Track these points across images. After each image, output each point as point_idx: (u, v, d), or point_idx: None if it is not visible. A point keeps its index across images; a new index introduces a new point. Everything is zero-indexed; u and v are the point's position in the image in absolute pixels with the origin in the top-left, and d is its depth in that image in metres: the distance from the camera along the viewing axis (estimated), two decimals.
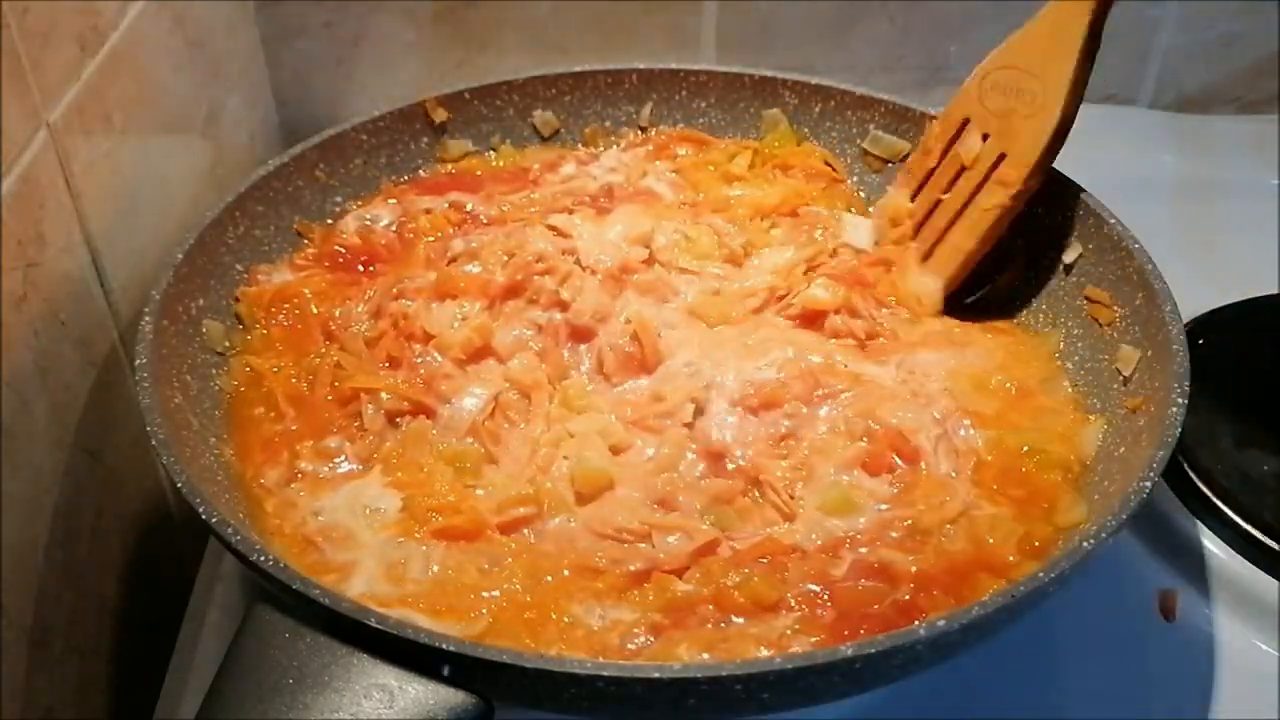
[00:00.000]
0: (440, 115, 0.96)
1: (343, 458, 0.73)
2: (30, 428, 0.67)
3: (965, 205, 0.84)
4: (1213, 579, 0.77)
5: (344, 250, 0.87)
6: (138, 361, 0.69)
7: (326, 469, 0.72)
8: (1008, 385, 0.78)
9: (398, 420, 0.74)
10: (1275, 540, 0.75)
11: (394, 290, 0.82)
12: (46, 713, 0.69)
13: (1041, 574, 0.58)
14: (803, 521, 0.69)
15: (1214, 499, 0.77)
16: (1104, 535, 0.59)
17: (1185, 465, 0.79)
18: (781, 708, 0.57)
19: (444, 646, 0.54)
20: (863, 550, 0.67)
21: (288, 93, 1.18)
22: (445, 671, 0.54)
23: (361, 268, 0.86)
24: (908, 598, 0.63)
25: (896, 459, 0.72)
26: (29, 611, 0.67)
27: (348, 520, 0.69)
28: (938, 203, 0.85)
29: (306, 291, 0.83)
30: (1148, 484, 0.62)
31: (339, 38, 1.15)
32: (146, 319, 0.72)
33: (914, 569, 0.65)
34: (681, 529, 0.68)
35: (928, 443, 0.73)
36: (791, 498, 0.70)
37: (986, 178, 0.82)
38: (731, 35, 1.17)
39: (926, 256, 0.85)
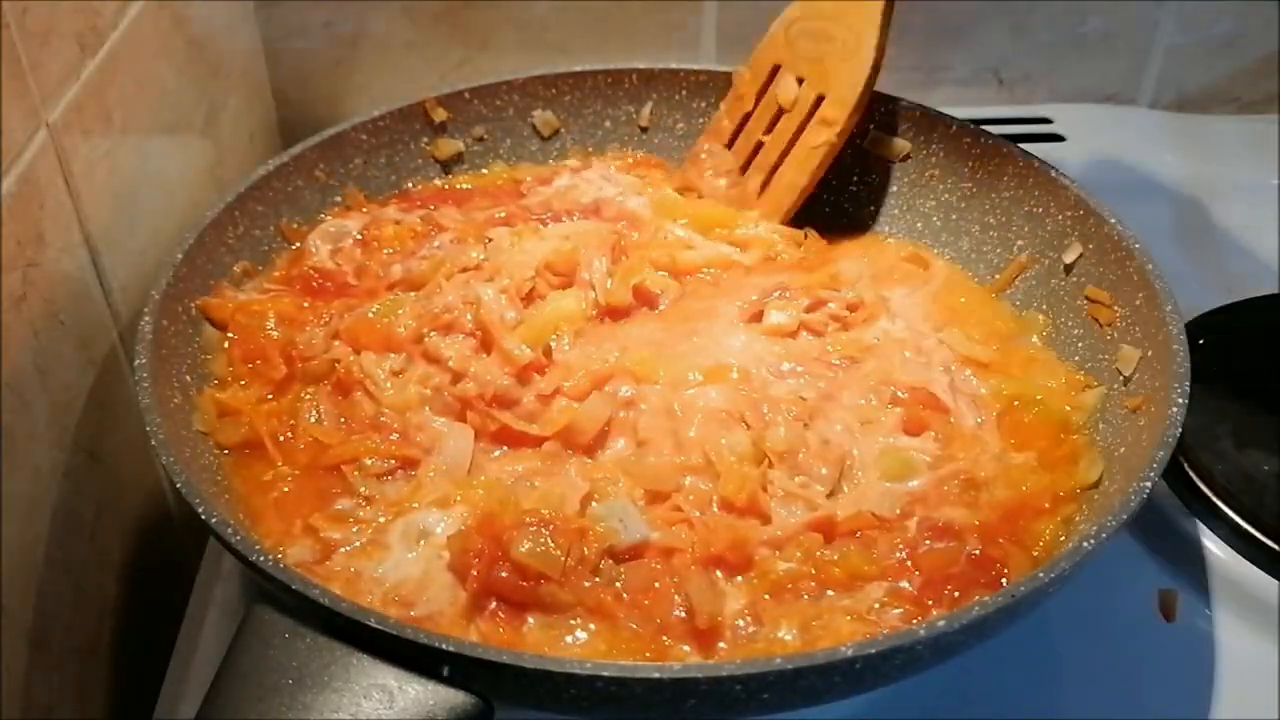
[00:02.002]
0: (440, 115, 0.96)
1: (362, 514, 0.69)
2: (30, 428, 0.67)
3: (790, 145, 0.91)
4: (1213, 579, 0.77)
5: (314, 273, 0.84)
6: (137, 361, 0.69)
7: (355, 533, 0.67)
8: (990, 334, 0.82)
9: (389, 476, 0.71)
10: (1275, 540, 0.75)
11: (330, 331, 0.78)
12: (46, 713, 0.69)
13: (1041, 574, 0.58)
14: (873, 493, 0.69)
15: (1214, 499, 0.77)
16: (1104, 535, 0.59)
17: (1185, 465, 0.79)
18: (782, 708, 0.57)
19: (444, 646, 0.53)
20: (925, 511, 0.68)
21: (288, 93, 1.18)
22: (445, 671, 0.54)
23: (331, 285, 0.84)
24: (979, 551, 0.65)
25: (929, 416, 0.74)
26: (29, 611, 0.67)
27: (414, 570, 0.65)
28: (758, 145, 0.92)
29: (270, 313, 0.80)
30: (1148, 484, 0.62)
31: (339, 38, 1.15)
32: (146, 319, 0.72)
33: (976, 521, 0.67)
34: (804, 499, 0.68)
35: (946, 395, 0.75)
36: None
37: (808, 119, 0.89)
38: (731, 35, 1.17)
39: (761, 190, 0.92)
